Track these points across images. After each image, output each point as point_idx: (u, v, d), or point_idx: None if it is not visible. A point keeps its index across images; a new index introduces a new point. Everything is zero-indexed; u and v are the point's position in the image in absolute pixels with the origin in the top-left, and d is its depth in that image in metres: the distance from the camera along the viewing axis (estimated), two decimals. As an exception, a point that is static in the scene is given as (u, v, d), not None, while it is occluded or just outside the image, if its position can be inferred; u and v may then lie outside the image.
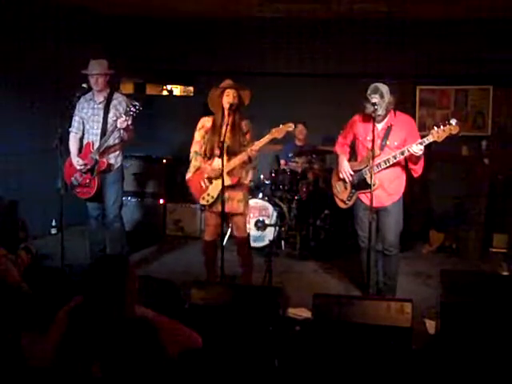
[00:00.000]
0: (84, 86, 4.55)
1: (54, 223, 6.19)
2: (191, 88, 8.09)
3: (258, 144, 4.05)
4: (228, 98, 4.11)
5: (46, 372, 2.15)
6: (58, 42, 6.13)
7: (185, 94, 8.58)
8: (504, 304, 2.98)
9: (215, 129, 4.17)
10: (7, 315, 2.32)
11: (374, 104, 3.84)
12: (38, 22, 5.90)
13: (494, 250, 5.84)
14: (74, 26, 6.34)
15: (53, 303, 2.52)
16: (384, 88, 3.95)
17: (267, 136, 4.03)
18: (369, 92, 3.93)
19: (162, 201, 6.56)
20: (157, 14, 6.63)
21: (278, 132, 4.00)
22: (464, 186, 6.06)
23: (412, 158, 4.01)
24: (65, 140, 4.63)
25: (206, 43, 6.96)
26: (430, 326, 3.70)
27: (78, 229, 5.98)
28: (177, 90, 8.70)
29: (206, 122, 4.30)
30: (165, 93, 8.58)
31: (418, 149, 3.85)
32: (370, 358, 2.76)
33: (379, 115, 3.98)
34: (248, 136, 4.25)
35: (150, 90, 8.36)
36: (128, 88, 7.87)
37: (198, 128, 4.32)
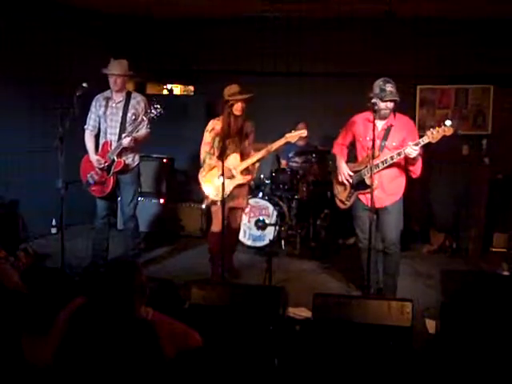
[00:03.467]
0: (84, 85, 4.48)
1: (54, 223, 6.20)
2: (191, 87, 8.08)
3: (273, 146, 4.39)
4: (237, 106, 4.36)
5: (46, 372, 2.16)
6: (58, 42, 6.13)
7: (185, 93, 8.56)
8: (504, 304, 2.98)
9: (225, 133, 4.37)
10: (7, 317, 2.32)
11: (374, 104, 3.87)
12: (38, 22, 5.90)
13: (494, 249, 5.84)
14: (75, 25, 6.34)
15: (53, 303, 2.52)
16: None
17: (281, 139, 4.36)
18: (381, 83, 3.99)
19: (162, 200, 6.56)
20: (157, 13, 6.62)
21: (292, 137, 4.35)
22: (464, 186, 6.06)
23: (409, 160, 4.02)
24: (65, 140, 4.63)
25: (207, 43, 6.96)
26: (430, 326, 3.70)
27: (79, 229, 5.99)
28: (177, 90, 8.68)
29: (215, 124, 4.50)
30: (165, 92, 8.57)
31: (411, 150, 3.88)
32: (370, 358, 2.76)
33: (394, 101, 4.01)
34: (251, 137, 4.53)
35: (150, 89, 8.34)
36: (128, 87, 7.84)
37: (208, 130, 4.52)
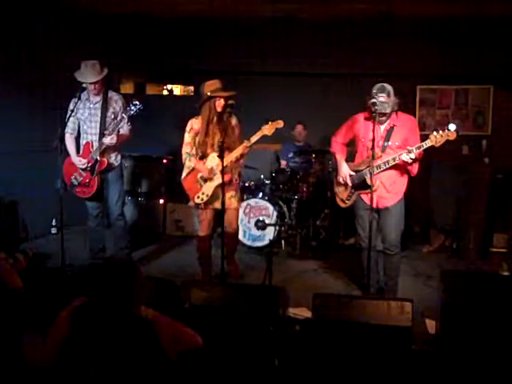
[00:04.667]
0: (84, 85, 4.56)
1: (54, 223, 6.20)
2: (191, 87, 8.09)
3: (250, 140, 4.23)
4: (219, 103, 4.24)
5: (46, 372, 2.16)
6: (58, 42, 6.12)
7: (185, 93, 8.57)
8: (504, 304, 2.98)
9: (207, 130, 4.29)
10: (7, 318, 2.32)
11: (374, 103, 3.84)
12: (38, 22, 5.90)
13: (494, 249, 5.83)
14: (74, 25, 6.34)
15: (53, 303, 2.52)
16: (390, 87, 3.97)
17: (257, 133, 4.22)
18: (375, 91, 3.93)
19: (161, 201, 6.55)
20: (157, 13, 6.62)
21: (268, 129, 4.21)
22: (464, 186, 6.05)
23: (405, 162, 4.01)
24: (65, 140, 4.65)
25: (206, 43, 6.96)
26: (430, 326, 3.70)
27: (78, 229, 5.98)
28: (177, 90, 8.69)
29: (194, 123, 4.41)
30: (165, 92, 8.57)
31: (407, 158, 3.88)
32: (370, 358, 2.76)
33: (384, 114, 3.97)
34: (236, 132, 4.40)
35: (150, 89, 8.35)
36: (128, 88, 7.86)
37: (187, 130, 4.42)
